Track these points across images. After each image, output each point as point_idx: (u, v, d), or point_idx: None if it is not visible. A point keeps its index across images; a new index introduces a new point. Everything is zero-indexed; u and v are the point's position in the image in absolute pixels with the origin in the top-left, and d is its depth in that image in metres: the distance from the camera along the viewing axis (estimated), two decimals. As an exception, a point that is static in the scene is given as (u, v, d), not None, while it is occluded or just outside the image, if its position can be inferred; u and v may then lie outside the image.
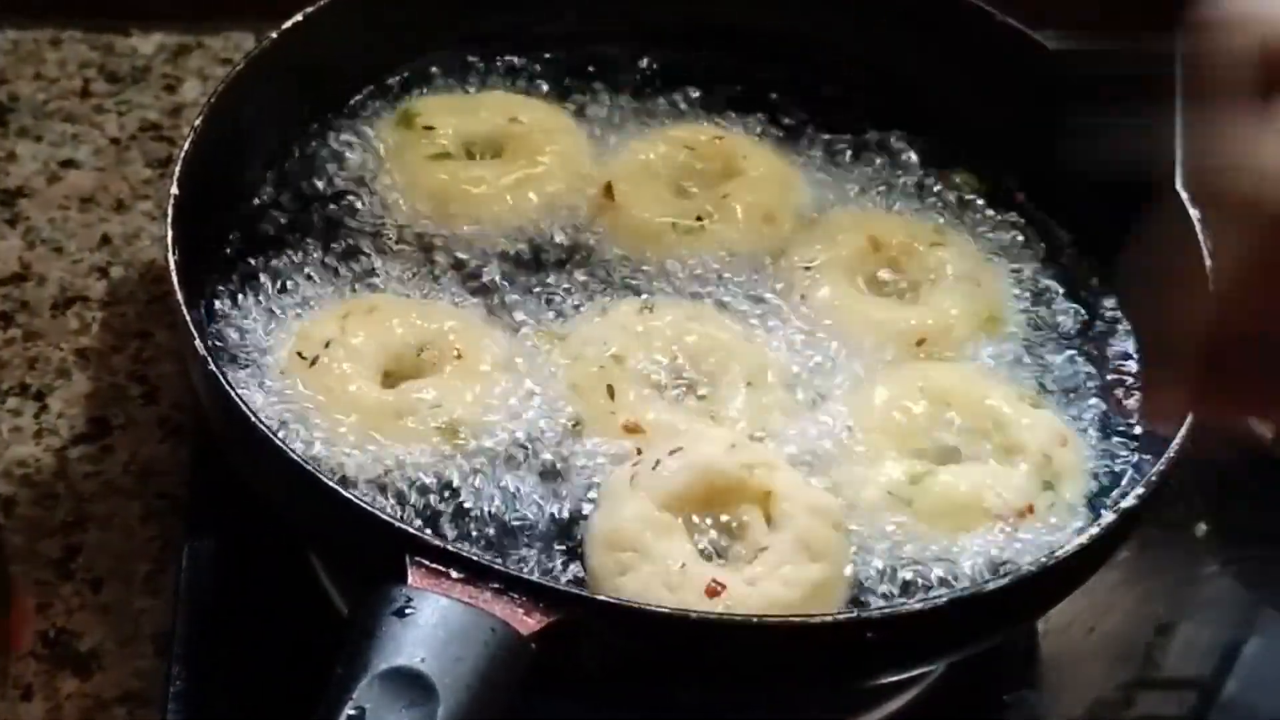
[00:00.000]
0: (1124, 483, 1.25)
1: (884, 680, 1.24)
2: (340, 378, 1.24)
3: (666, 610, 1.06)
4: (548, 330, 1.32)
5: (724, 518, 1.18)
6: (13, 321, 1.53)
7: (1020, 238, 1.44)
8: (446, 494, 1.21)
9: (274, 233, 1.37)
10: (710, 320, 1.32)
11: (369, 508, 1.07)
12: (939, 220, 1.44)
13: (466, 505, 1.20)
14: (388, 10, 1.48)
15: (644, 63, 1.55)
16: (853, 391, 1.29)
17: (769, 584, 1.14)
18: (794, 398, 1.29)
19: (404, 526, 1.07)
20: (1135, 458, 1.27)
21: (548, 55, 1.54)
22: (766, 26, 1.55)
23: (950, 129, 1.50)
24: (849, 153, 1.49)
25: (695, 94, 1.52)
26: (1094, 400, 1.32)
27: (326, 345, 1.25)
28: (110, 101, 1.74)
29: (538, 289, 1.35)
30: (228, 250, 1.35)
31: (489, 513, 1.20)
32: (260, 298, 1.31)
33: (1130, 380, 1.33)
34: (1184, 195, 1.30)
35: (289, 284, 1.33)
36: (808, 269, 1.37)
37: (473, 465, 1.22)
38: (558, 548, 1.19)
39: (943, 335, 1.34)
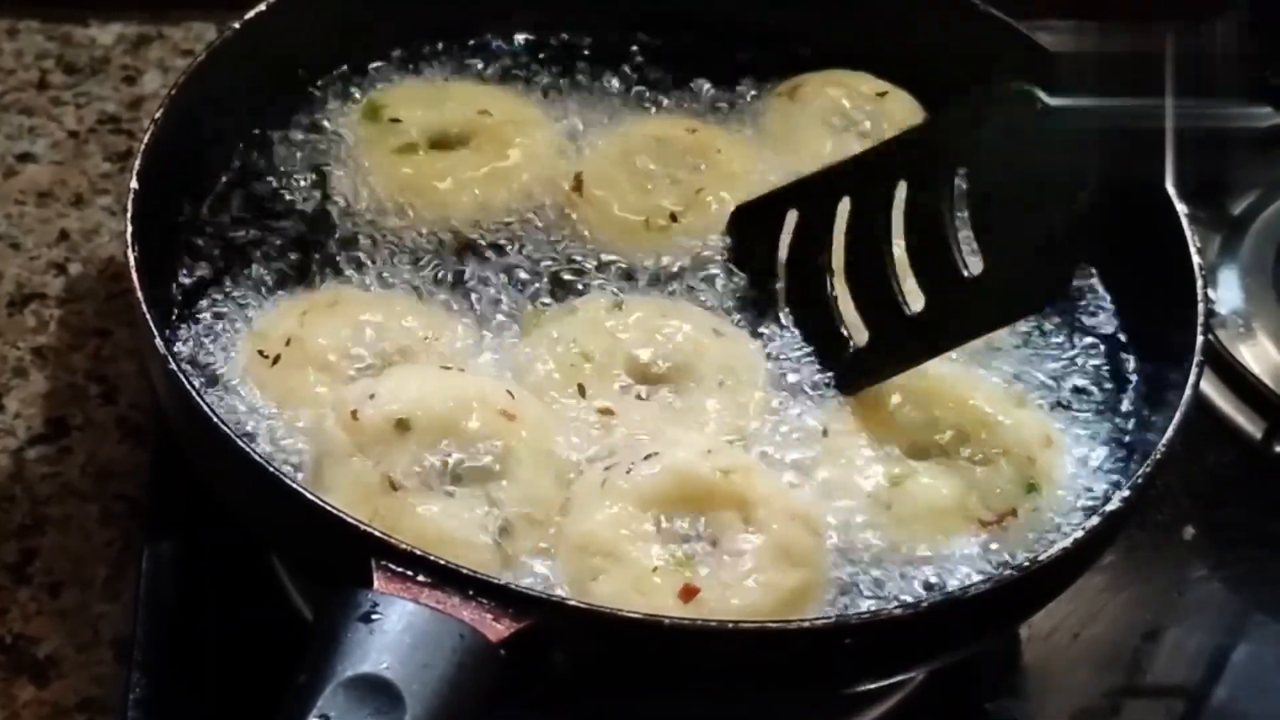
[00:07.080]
0: (1110, 485, 1.23)
1: (862, 688, 1.23)
2: (302, 376, 1.22)
3: (639, 615, 1.04)
4: (515, 326, 1.29)
5: (700, 522, 1.16)
6: (-33, 320, 1.51)
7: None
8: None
9: (236, 228, 1.35)
10: (683, 318, 1.30)
11: (333, 510, 1.05)
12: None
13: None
14: (352, -2, 1.47)
15: (615, 52, 1.52)
16: (831, 391, 1.27)
17: (746, 589, 1.12)
18: (769, 397, 1.27)
19: (369, 529, 1.04)
20: (1122, 459, 1.26)
21: (516, 45, 1.52)
22: (745, 16, 1.54)
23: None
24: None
25: (669, 85, 1.50)
26: (1080, 400, 1.30)
27: (287, 343, 1.23)
28: (68, 93, 1.72)
29: (505, 285, 1.33)
30: (188, 246, 1.33)
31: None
32: (222, 294, 1.30)
33: (1119, 378, 1.32)
34: (1174, 194, 1.30)
35: (251, 280, 1.31)
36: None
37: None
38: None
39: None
